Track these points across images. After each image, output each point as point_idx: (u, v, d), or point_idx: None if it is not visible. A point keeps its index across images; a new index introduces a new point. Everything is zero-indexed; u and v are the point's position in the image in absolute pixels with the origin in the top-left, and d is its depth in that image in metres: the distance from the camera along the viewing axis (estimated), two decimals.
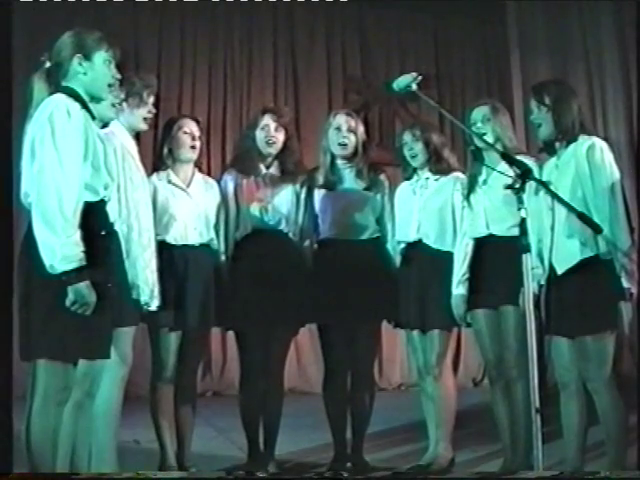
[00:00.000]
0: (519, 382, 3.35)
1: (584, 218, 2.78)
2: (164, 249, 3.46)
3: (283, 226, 3.71)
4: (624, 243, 3.03)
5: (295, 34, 7.33)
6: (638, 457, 3.15)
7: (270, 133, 3.69)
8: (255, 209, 3.68)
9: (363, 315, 3.66)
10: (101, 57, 2.70)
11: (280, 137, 3.71)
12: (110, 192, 2.75)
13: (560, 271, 3.11)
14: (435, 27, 7.60)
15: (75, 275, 2.49)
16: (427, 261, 3.67)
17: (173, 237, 3.53)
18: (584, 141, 3.13)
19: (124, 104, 3.30)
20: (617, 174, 3.11)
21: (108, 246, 2.69)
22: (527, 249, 2.56)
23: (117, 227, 2.91)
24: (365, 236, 3.75)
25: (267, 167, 3.74)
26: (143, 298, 3.20)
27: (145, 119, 3.40)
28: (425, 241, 3.68)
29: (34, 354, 2.60)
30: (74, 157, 2.56)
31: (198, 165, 3.70)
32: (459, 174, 3.72)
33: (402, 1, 7.09)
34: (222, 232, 3.68)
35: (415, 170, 3.76)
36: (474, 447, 4.02)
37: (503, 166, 2.95)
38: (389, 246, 3.78)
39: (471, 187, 3.53)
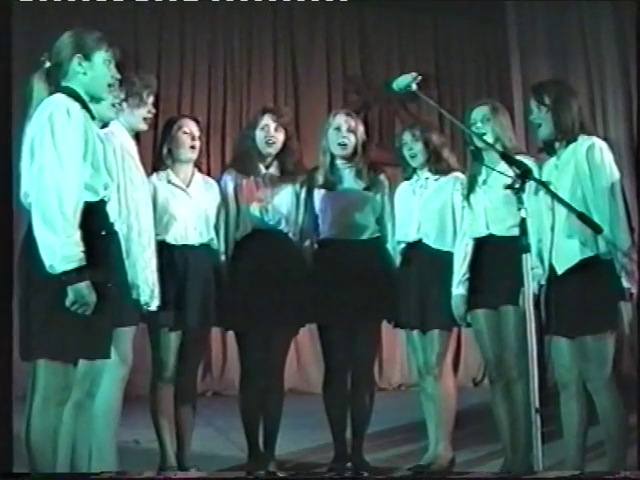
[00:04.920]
0: (519, 382, 3.34)
1: (584, 218, 2.78)
2: (164, 249, 3.46)
3: (283, 226, 3.71)
4: (624, 243, 3.03)
5: (295, 34, 7.33)
6: (638, 457, 3.15)
7: (270, 133, 3.69)
8: (255, 209, 3.68)
9: (363, 315, 3.66)
10: (101, 57, 2.70)
11: (280, 137, 3.71)
12: (110, 192, 2.75)
13: (560, 271, 3.11)
14: (435, 27, 7.60)
15: (75, 275, 2.49)
16: (427, 261, 3.67)
17: (173, 237, 3.53)
18: (584, 141, 3.13)
19: (124, 104, 3.30)
20: (617, 174, 3.11)
21: (108, 246, 2.69)
22: (527, 249, 2.56)
23: (117, 227, 2.90)
24: (365, 236, 3.75)
25: (267, 167, 3.74)
26: (143, 298, 3.20)
27: (145, 119, 3.40)
28: (425, 241, 3.68)
29: (34, 354, 2.60)
30: (74, 157, 2.56)
31: (198, 165, 3.70)
32: (459, 174, 3.72)
33: (402, 1, 7.09)
34: (222, 232, 3.68)
35: (415, 170, 3.77)
36: (474, 447, 4.02)
37: (503, 166, 2.95)
38: (389, 246, 3.78)
39: (471, 187, 3.53)
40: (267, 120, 3.71)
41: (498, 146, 3.39)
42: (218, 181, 3.75)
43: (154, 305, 3.26)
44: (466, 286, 3.53)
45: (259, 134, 3.71)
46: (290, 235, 3.74)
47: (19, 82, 3.07)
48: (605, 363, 3.07)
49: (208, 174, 3.85)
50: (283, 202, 3.71)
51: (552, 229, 3.14)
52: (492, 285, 3.44)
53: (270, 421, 3.71)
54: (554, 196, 2.84)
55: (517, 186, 2.57)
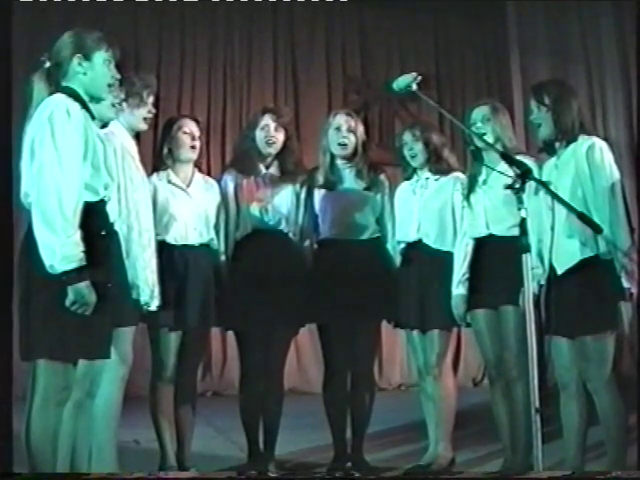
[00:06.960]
0: (519, 382, 3.35)
1: (584, 218, 2.77)
2: (164, 249, 3.46)
3: (283, 226, 3.71)
4: (624, 243, 3.03)
5: (295, 34, 7.34)
6: (638, 457, 3.14)
7: (270, 133, 3.69)
8: (255, 209, 3.68)
9: (363, 315, 3.66)
10: (101, 57, 2.70)
11: (280, 137, 3.71)
12: (110, 192, 2.75)
13: (560, 271, 3.11)
14: (435, 27, 7.61)
15: (75, 275, 2.49)
16: (427, 261, 3.67)
17: (173, 237, 3.53)
18: (584, 141, 3.13)
19: (124, 104, 3.30)
20: (617, 174, 3.11)
21: (108, 246, 2.69)
22: (527, 249, 2.56)
23: (117, 227, 2.91)
24: (365, 236, 3.75)
25: (267, 167, 3.74)
26: (143, 298, 3.20)
27: (145, 119, 3.40)
28: (425, 241, 3.68)
29: (34, 354, 2.60)
30: (74, 157, 2.56)
31: (198, 165, 3.70)
32: (459, 174, 3.72)
33: (402, 1, 7.09)
34: (222, 232, 3.68)
35: (415, 170, 3.77)
36: (474, 447, 4.02)
37: (503, 166, 2.94)
38: (389, 246, 3.78)
39: (471, 187, 3.53)
40: (267, 120, 3.71)
41: (498, 146, 3.40)
42: (218, 181, 3.75)
43: (154, 305, 3.26)
44: (466, 286, 3.53)
45: (259, 134, 3.71)
46: (290, 235, 3.74)
47: (19, 82, 3.07)
48: (605, 363, 3.07)
49: (208, 174, 3.85)
50: (283, 202, 3.71)
51: (552, 229, 3.14)
52: (492, 285, 3.44)
53: (270, 421, 3.71)
54: (554, 196, 2.84)
55: (517, 186, 2.57)
